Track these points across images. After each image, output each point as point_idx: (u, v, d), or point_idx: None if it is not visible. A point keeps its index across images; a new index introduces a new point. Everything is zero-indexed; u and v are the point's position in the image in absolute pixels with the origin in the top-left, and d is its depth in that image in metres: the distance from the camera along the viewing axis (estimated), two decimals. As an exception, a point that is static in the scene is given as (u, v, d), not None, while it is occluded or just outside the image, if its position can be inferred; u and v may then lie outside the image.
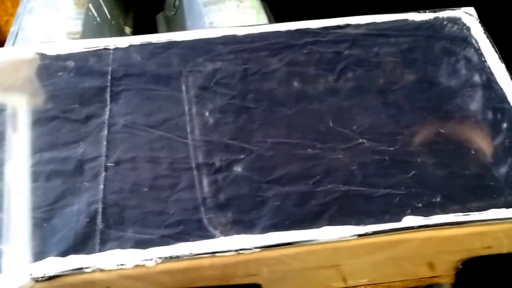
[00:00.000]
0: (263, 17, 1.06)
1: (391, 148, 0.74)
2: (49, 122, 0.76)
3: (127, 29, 1.33)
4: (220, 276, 0.65)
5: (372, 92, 0.80)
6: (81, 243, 0.66)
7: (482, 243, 0.69)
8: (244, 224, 0.68)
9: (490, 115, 0.79)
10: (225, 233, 0.67)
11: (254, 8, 1.09)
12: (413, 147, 0.74)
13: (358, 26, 0.87)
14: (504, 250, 0.69)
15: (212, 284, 0.65)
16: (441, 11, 0.89)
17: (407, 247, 0.68)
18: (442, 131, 0.76)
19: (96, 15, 1.11)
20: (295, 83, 0.80)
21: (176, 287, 0.65)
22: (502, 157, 0.74)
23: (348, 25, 0.87)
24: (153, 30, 1.43)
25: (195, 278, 0.65)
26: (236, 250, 0.65)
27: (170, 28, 1.37)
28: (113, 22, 1.25)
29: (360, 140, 0.75)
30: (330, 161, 0.73)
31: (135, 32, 1.35)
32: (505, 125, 0.78)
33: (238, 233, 0.67)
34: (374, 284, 0.69)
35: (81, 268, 0.63)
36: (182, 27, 1.25)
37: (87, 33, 1.04)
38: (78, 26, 1.01)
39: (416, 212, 0.68)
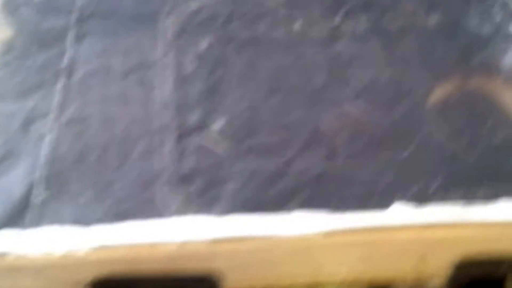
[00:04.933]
0: None
1: (389, 117, 0.62)
2: (2, 67, 0.67)
3: None
4: (163, 266, 0.56)
5: (380, 42, 0.67)
6: (12, 217, 0.57)
7: (485, 244, 0.57)
8: (200, 205, 0.58)
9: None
10: (179, 213, 0.57)
11: None
12: (416, 117, 0.62)
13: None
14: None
15: (155, 273, 0.56)
16: None
17: (391, 246, 0.56)
18: (454, 99, 0.63)
19: None
20: (288, 29, 0.68)
21: (112, 275, 0.56)
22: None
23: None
24: None
25: (134, 268, 0.56)
26: (186, 239, 0.55)
27: None
28: None
29: (353, 105, 0.62)
30: (313, 130, 0.61)
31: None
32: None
33: (194, 214, 0.57)
34: (350, 281, 0.58)
35: (5, 252, 0.55)
36: None
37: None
38: None
39: (407, 198, 0.57)
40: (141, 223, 0.56)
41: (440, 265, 0.57)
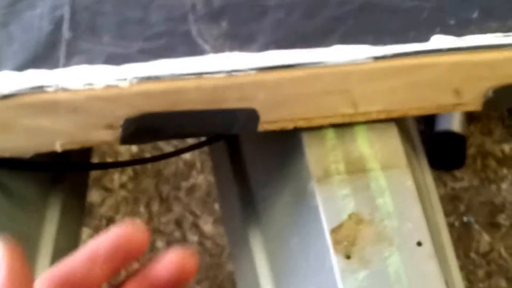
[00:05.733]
0: None
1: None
2: None
3: None
4: (208, 99, 0.55)
5: None
6: (43, 55, 0.55)
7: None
8: (239, 38, 0.56)
9: None
10: (217, 48, 0.56)
11: None
12: None
13: None
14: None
15: (198, 107, 0.56)
16: None
17: (432, 72, 0.56)
18: None
19: None
20: None
21: (155, 110, 0.55)
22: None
23: None
24: None
25: (177, 101, 0.55)
26: (228, 71, 0.54)
27: None
28: None
29: None
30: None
31: None
32: None
33: (232, 49, 0.56)
34: (389, 110, 0.59)
35: (43, 86, 0.53)
36: None
37: None
38: None
39: (447, 30, 0.56)
40: (180, 60, 0.55)
41: (478, 92, 0.58)
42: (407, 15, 0.57)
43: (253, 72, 0.54)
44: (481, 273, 1.13)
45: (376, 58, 0.55)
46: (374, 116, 0.59)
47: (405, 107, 0.59)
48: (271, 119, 0.58)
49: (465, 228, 1.15)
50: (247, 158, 0.70)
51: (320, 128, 0.59)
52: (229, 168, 0.72)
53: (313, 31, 0.56)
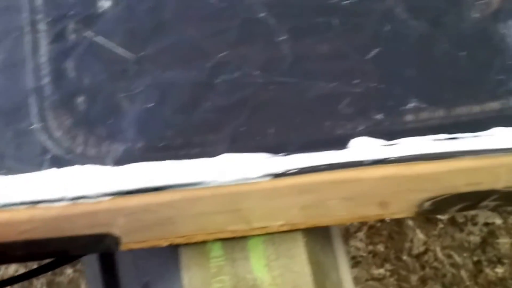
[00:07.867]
0: None
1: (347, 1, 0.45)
2: None
3: None
4: (48, 229, 0.41)
5: None
6: None
7: (470, 179, 0.44)
8: (94, 135, 0.41)
9: None
10: (65, 148, 0.41)
11: None
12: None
13: None
14: (500, 185, 0.45)
15: (36, 236, 0.41)
16: None
17: (350, 189, 0.43)
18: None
19: None
20: None
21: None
22: None
23: None
24: None
25: (7, 233, 0.40)
26: (71, 198, 0.39)
27: None
28: None
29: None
30: (246, 21, 0.44)
31: None
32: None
33: (84, 156, 0.41)
34: (294, 223, 0.46)
35: None
36: None
37: None
38: None
39: (373, 128, 0.42)
40: (10, 178, 0.40)
41: (411, 203, 0.45)
42: (322, 102, 0.43)
43: (108, 197, 0.39)
44: (414, 279, 1.03)
45: (276, 176, 0.40)
46: (275, 229, 0.45)
47: (315, 221, 0.45)
48: (137, 240, 0.44)
49: (398, 225, 1.04)
50: (121, 269, 0.55)
51: (203, 242, 0.46)
52: (100, 282, 0.57)
53: (192, 131, 0.42)
